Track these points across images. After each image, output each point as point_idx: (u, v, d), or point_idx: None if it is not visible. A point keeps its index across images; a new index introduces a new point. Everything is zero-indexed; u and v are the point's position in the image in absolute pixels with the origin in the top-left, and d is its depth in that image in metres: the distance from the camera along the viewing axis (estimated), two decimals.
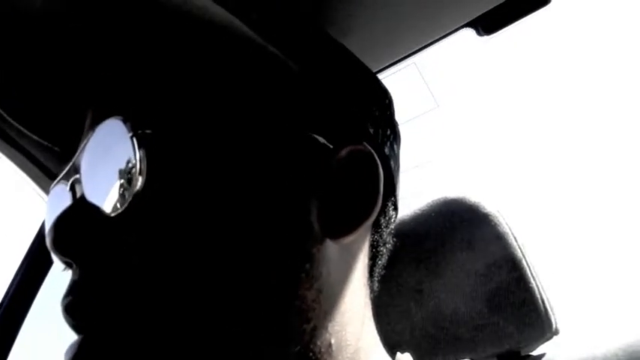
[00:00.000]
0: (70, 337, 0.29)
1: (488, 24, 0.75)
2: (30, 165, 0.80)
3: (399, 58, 0.80)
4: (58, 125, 0.39)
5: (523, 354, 0.58)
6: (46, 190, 0.85)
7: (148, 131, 0.29)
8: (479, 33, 0.77)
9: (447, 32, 0.76)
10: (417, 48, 0.78)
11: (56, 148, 0.41)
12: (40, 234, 0.93)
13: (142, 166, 0.28)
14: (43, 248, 0.91)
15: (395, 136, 0.40)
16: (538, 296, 0.57)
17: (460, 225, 0.61)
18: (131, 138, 0.29)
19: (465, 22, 0.74)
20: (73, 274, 0.30)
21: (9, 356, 0.87)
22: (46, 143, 0.40)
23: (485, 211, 0.62)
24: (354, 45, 0.75)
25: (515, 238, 0.60)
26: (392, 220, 0.39)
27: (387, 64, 0.81)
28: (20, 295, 0.90)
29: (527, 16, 0.75)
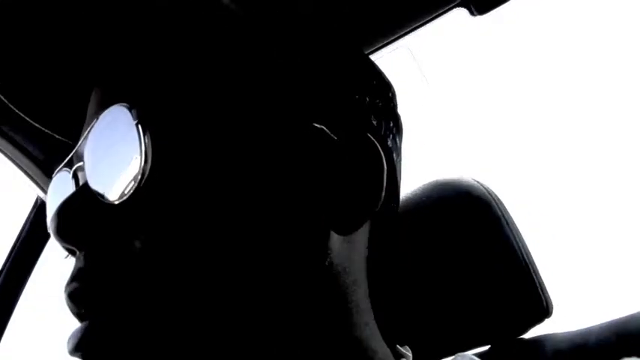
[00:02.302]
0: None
1: (481, 3, 0.74)
2: (21, 156, 0.80)
3: (391, 39, 0.79)
4: (59, 113, 0.38)
5: (516, 337, 0.58)
6: (36, 181, 0.84)
7: (153, 119, 0.29)
8: (472, 13, 0.76)
9: (440, 12, 0.75)
10: (409, 29, 0.77)
11: (57, 136, 0.40)
12: (32, 219, 0.92)
13: (147, 154, 0.28)
14: (34, 235, 0.91)
15: (398, 129, 0.39)
16: (531, 278, 0.57)
17: (452, 209, 0.61)
18: (136, 125, 0.28)
19: (458, 1, 0.73)
20: (77, 261, 0.30)
21: None
22: (47, 131, 0.39)
23: (477, 194, 0.61)
24: (345, 27, 0.74)
25: (507, 221, 0.60)
26: (393, 213, 0.39)
27: (379, 46, 0.80)
28: (11, 281, 0.89)
29: None
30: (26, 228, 0.90)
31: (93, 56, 0.35)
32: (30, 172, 0.83)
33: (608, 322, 0.53)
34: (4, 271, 0.89)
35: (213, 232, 0.28)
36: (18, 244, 0.90)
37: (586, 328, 0.54)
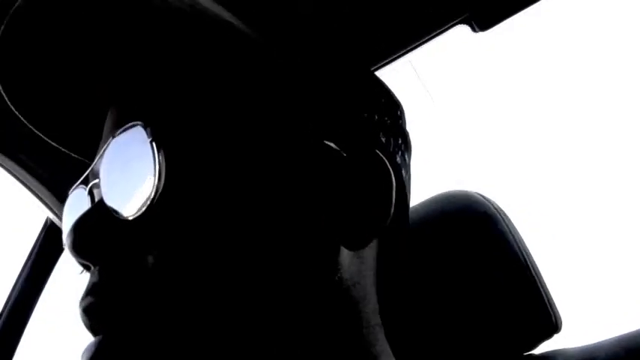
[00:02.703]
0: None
1: (482, 20, 0.75)
2: (30, 178, 0.81)
3: (395, 56, 0.80)
4: (76, 132, 0.39)
5: (525, 353, 0.58)
6: (46, 202, 0.85)
7: (167, 137, 0.30)
8: (474, 30, 0.76)
9: (442, 29, 0.76)
10: (412, 46, 0.78)
11: (74, 155, 0.41)
12: (42, 239, 0.93)
13: (161, 172, 0.29)
14: (44, 255, 0.92)
15: (406, 146, 0.40)
16: (539, 294, 0.56)
17: (457, 223, 0.61)
18: (151, 143, 0.29)
19: (460, 18, 0.74)
20: (92, 276, 0.30)
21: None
22: (63, 149, 0.41)
23: (483, 208, 0.61)
24: (349, 43, 0.75)
25: (514, 236, 0.59)
26: (402, 229, 0.39)
27: (383, 63, 0.81)
28: (23, 302, 0.90)
29: (521, 11, 0.75)
30: (36, 248, 0.91)
31: (109, 76, 0.36)
32: (40, 194, 0.84)
33: (617, 336, 0.52)
34: (15, 292, 0.89)
35: (225, 248, 0.29)
36: (28, 265, 0.90)
37: (595, 343, 0.54)
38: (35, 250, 0.91)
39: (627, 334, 0.52)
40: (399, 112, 0.41)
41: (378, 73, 0.82)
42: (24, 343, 0.88)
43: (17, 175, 0.81)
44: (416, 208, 0.65)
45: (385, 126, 0.38)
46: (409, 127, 0.42)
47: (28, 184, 0.82)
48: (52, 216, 0.89)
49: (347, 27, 0.73)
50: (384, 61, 0.80)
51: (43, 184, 0.82)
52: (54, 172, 0.82)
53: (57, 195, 0.83)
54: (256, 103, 0.32)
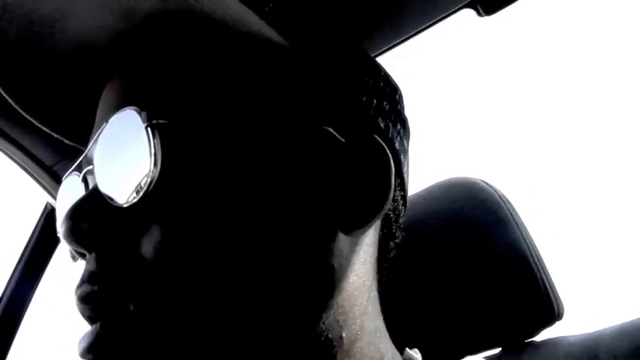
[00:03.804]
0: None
1: (488, 4, 0.73)
2: (30, 162, 0.80)
3: (398, 40, 0.79)
4: (68, 117, 0.39)
5: (526, 340, 0.58)
6: (45, 187, 0.85)
7: (163, 122, 0.29)
8: (479, 14, 0.75)
9: (447, 13, 0.75)
10: (417, 30, 0.77)
11: (67, 141, 0.40)
12: (42, 224, 0.93)
13: (157, 157, 0.28)
14: (44, 240, 0.92)
15: (405, 131, 0.40)
16: (541, 281, 0.56)
17: (460, 210, 0.60)
18: (146, 128, 0.28)
19: (465, 2, 0.73)
20: (87, 264, 0.30)
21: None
22: (56, 135, 0.40)
23: (486, 195, 0.61)
24: (352, 29, 0.74)
25: (517, 222, 0.59)
26: (401, 215, 0.39)
27: (387, 47, 0.80)
28: (22, 287, 0.90)
29: None
30: (36, 233, 0.91)
31: (103, 60, 0.35)
32: (39, 178, 0.83)
33: (619, 325, 0.52)
34: (14, 278, 0.90)
35: (221, 234, 0.29)
36: (28, 250, 0.91)
37: (597, 331, 0.54)
38: (35, 235, 0.91)
39: (629, 322, 0.52)
40: (397, 97, 0.40)
41: (380, 59, 0.81)
42: (22, 330, 0.89)
43: (17, 159, 0.80)
44: (419, 194, 0.65)
45: (384, 111, 0.37)
46: (408, 113, 0.42)
47: (27, 168, 0.82)
48: (51, 200, 0.89)
49: (349, 11, 0.72)
50: (388, 46, 0.79)
51: (43, 168, 0.82)
52: (53, 156, 0.82)
53: (57, 180, 0.83)
54: (254, 88, 0.32)
